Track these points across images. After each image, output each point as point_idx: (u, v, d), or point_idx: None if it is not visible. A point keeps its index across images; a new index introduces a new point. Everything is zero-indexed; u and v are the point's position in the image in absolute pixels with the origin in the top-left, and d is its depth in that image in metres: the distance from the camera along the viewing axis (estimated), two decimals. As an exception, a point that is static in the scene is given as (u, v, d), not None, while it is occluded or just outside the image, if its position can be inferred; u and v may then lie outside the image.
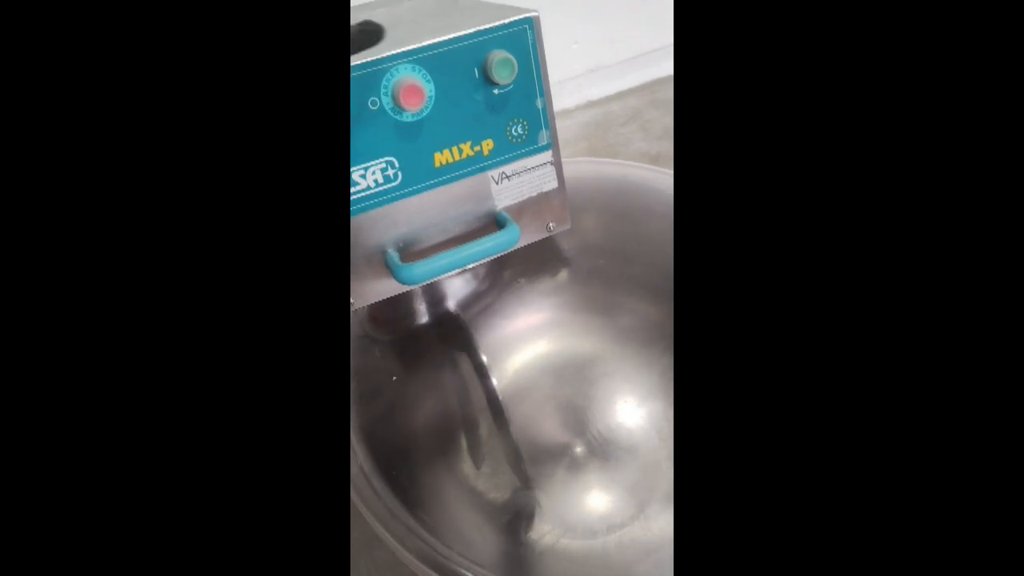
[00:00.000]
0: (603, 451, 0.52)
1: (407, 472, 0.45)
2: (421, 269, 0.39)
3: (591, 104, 1.07)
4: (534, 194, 0.44)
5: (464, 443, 0.49)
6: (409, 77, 0.36)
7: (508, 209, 0.43)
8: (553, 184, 0.44)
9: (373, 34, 0.39)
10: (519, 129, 0.41)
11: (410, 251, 0.41)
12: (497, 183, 0.42)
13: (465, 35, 0.37)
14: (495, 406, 0.50)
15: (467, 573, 0.38)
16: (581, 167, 0.58)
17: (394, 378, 0.45)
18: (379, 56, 0.35)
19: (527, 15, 0.38)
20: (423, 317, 0.48)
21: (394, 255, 0.40)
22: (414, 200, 0.40)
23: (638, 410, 0.53)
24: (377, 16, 0.43)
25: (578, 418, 0.53)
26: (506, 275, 0.48)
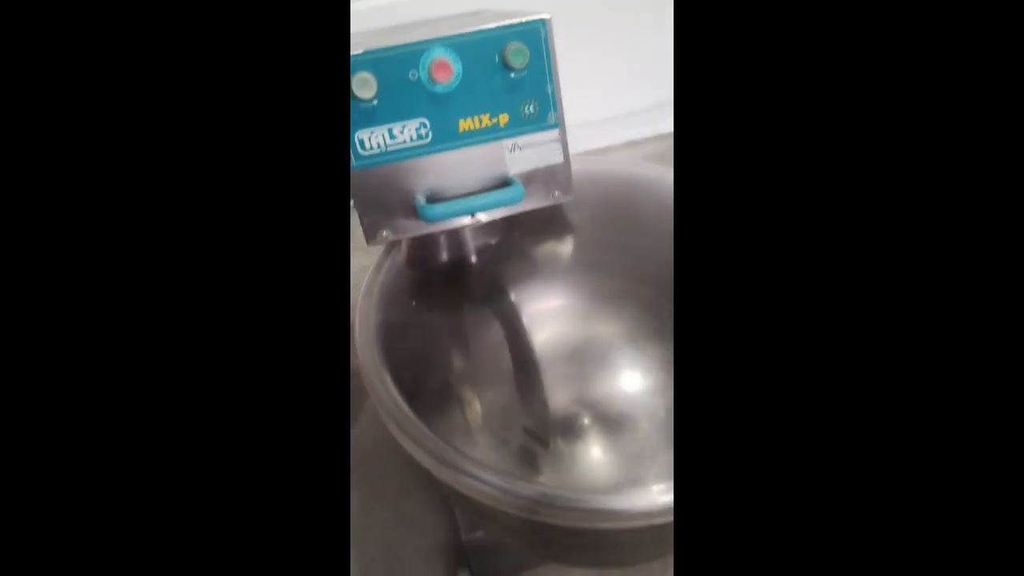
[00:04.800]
0: (606, 421, 0.55)
1: (423, 392, 0.53)
2: (441, 209, 0.49)
3: (660, 137, 1.15)
4: (542, 165, 0.53)
5: (476, 381, 0.55)
6: (441, 56, 0.47)
7: (519, 175, 0.53)
8: (559, 159, 0.53)
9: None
10: (531, 108, 0.51)
11: (434, 199, 0.52)
12: (510, 152, 0.52)
13: (488, 28, 0.48)
14: (506, 352, 0.57)
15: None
16: (576, 166, 0.64)
17: (413, 303, 0.54)
18: (419, 39, 0.47)
19: (541, 17, 0.48)
20: (444, 262, 0.57)
21: (421, 200, 0.51)
22: (441, 157, 0.50)
23: (644, 386, 0.55)
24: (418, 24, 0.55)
25: (585, 388, 0.56)
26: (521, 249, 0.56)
